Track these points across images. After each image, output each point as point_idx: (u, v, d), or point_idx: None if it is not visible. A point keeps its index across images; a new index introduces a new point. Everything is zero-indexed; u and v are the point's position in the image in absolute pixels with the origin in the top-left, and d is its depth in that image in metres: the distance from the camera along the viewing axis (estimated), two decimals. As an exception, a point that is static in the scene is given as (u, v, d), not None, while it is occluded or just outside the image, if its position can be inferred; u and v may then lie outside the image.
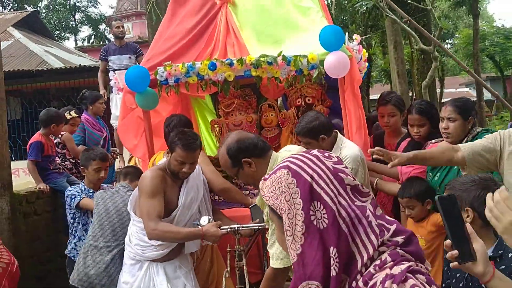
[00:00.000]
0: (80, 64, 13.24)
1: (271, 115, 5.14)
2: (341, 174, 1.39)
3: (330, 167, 1.39)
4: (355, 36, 4.23)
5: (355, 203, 1.35)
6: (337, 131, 3.64)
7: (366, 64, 4.93)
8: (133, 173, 4.15)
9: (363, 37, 19.35)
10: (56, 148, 5.70)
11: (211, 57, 4.25)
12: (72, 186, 4.64)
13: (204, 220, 3.31)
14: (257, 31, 4.52)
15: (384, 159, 3.23)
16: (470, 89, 32.18)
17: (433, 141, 3.61)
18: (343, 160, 2.58)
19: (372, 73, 23.25)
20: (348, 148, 3.46)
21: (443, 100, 18.80)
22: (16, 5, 32.88)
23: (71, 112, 5.82)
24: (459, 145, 3.04)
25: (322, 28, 3.88)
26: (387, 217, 1.38)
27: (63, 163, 5.79)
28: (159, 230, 3.18)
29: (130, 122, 4.66)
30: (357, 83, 3.98)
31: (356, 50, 4.09)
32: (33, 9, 21.87)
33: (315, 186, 1.34)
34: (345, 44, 4.01)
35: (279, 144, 5.06)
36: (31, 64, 13.66)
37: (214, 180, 3.77)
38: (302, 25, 4.41)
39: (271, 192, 1.40)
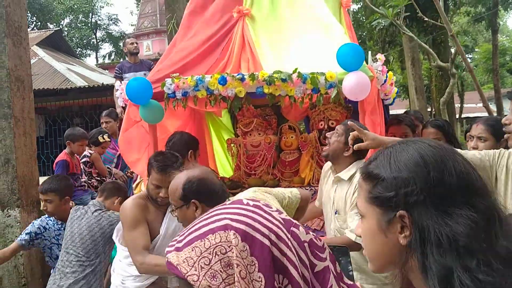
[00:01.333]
0: (102, 83, 13.57)
1: (291, 137, 4.90)
2: (294, 229, 1.16)
3: (280, 220, 1.13)
4: (379, 55, 3.89)
5: (315, 270, 1.10)
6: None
7: (395, 89, 4.68)
8: (109, 190, 3.91)
9: (383, 55, 19.36)
10: (84, 166, 5.80)
11: (224, 71, 3.98)
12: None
13: None
14: (274, 47, 4.24)
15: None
16: (490, 103, 31.87)
17: None
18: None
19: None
20: None
21: (463, 115, 18.75)
22: (39, 23, 33.76)
23: (104, 136, 5.87)
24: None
25: (340, 46, 3.56)
26: (345, 278, 1.19)
27: (89, 181, 5.83)
28: (147, 263, 2.90)
29: (134, 135, 4.42)
30: (373, 107, 3.65)
31: (379, 71, 3.75)
32: (57, 28, 22.46)
33: (275, 251, 1.02)
34: (367, 63, 3.73)
35: (298, 168, 4.81)
36: (54, 82, 14.03)
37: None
38: (322, 41, 4.10)
39: (203, 267, 0.98)
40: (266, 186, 4.41)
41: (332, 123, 4.65)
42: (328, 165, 3.34)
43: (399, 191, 1.06)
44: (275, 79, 3.67)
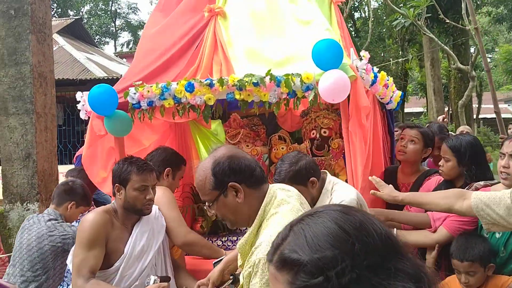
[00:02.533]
0: (121, 75, 13.65)
1: (282, 148, 4.38)
2: None
3: None
4: (363, 53, 3.39)
5: None
6: (326, 172, 2.93)
7: (399, 93, 4.25)
8: (59, 195, 3.45)
9: (400, 60, 19.28)
10: None
11: (194, 77, 3.52)
12: None
13: (149, 280, 2.61)
14: (248, 47, 3.74)
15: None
16: (509, 105, 31.44)
17: (481, 183, 2.84)
18: None
19: (408, 86, 23.07)
20: (341, 192, 2.70)
21: (480, 116, 18.55)
22: (60, 10, 33.98)
23: None
24: (474, 192, 2.52)
25: (315, 43, 3.08)
26: None
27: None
28: None
29: (98, 151, 3.91)
30: (364, 111, 3.12)
31: (363, 70, 3.21)
32: (77, 16, 22.57)
33: None
34: (350, 62, 3.23)
35: None
36: (74, 72, 14.13)
37: (175, 230, 3.00)
38: (300, 39, 3.60)
39: None
40: None
41: (325, 132, 4.23)
42: None
43: (329, 274, 0.89)
44: (246, 84, 3.21)
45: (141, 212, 2.77)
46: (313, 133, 4.28)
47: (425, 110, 21.77)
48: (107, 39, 39.09)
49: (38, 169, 5.38)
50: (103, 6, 37.62)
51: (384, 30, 20.16)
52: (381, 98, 3.77)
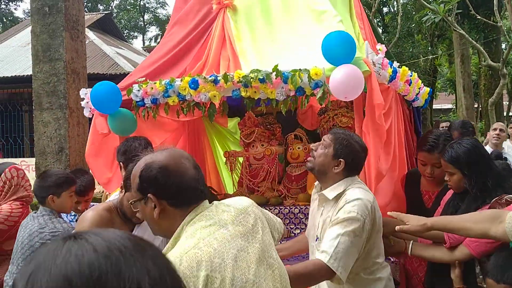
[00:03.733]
0: (149, 69, 13.85)
1: (298, 148, 4.16)
2: None
3: None
4: (379, 46, 3.12)
5: None
6: (357, 176, 2.63)
7: (426, 89, 4.03)
8: (36, 194, 3.26)
9: (431, 57, 18.96)
10: None
11: (201, 73, 3.30)
12: None
13: None
14: (258, 41, 3.51)
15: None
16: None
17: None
18: (345, 203, 2.38)
19: (436, 83, 22.76)
20: (359, 192, 2.46)
21: (511, 114, 18.21)
22: (90, 4, 34.53)
23: None
24: (510, 212, 2.15)
25: (325, 36, 2.81)
26: None
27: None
28: None
29: (102, 151, 3.72)
30: (377, 109, 2.83)
31: (378, 64, 2.91)
32: (107, 11, 22.93)
33: None
34: (364, 56, 2.94)
35: (305, 184, 4.08)
36: (103, 66, 14.35)
37: None
38: (312, 32, 3.32)
39: None
40: (268, 204, 3.97)
41: (343, 131, 4.00)
42: (317, 185, 2.71)
43: None
44: (252, 80, 2.98)
45: (129, 220, 2.61)
46: None
47: (454, 107, 21.44)
48: (136, 34, 39.52)
49: (70, 163, 5.51)
50: (132, 1, 38.05)
51: (413, 25, 19.85)
52: (404, 95, 3.55)
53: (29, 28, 16.83)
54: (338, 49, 2.78)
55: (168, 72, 3.54)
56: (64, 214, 3.51)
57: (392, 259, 3.08)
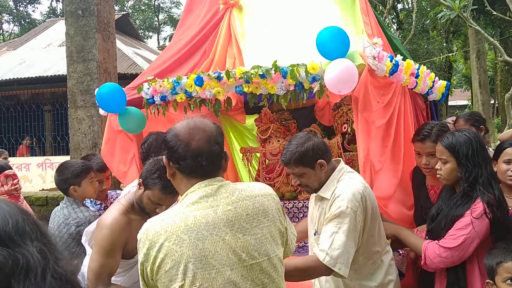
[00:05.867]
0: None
1: None
2: None
3: None
4: (375, 39, 3.06)
5: None
6: (340, 160, 2.64)
7: (443, 82, 4.01)
8: (58, 185, 3.36)
9: (446, 55, 18.97)
10: None
11: (208, 70, 3.43)
12: None
13: None
14: (261, 38, 3.59)
15: None
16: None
17: None
18: (334, 198, 2.38)
19: (452, 79, 22.76)
20: (348, 182, 2.46)
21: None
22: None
23: None
24: None
25: (320, 31, 2.87)
26: None
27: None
28: None
29: (117, 146, 3.86)
30: (374, 101, 2.91)
31: (374, 57, 2.88)
32: (124, 12, 23.34)
33: None
34: (361, 50, 2.96)
35: None
36: (122, 66, 14.66)
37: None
38: (313, 28, 3.22)
39: None
40: (284, 198, 4.07)
41: (357, 126, 3.96)
42: None
43: None
44: (252, 76, 3.05)
45: (147, 215, 2.58)
46: (344, 127, 4.06)
47: (470, 103, 21.45)
48: (150, 33, 39.97)
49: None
50: (147, 1, 38.49)
51: (428, 22, 19.87)
52: (412, 88, 3.51)
53: (49, 30, 17.22)
54: (331, 44, 2.82)
55: (178, 70, 3.65)
56: (91, 203, 3.69)
57: (400, 252, 3.04)
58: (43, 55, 14.59)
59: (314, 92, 2.94)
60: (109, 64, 5.95)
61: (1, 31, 31.14)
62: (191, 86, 3.29)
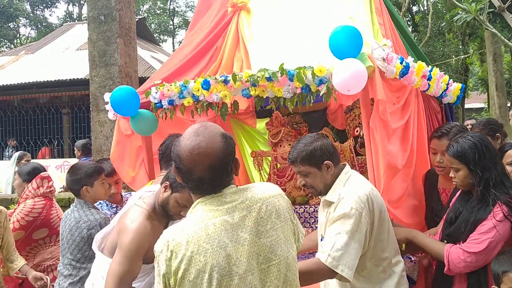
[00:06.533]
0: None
1: None
2: None
3: None
4: (384, 41, 3.00)
5: None
6: (346, 164, 2.60)
7: (458, 85, 3.95)
8: (69, 187, 3.39)
9: (462, 56, 18.85)
10: None
11: (215, 74, 3.39)
12: None
13: None
14: (269, 41, 3.53)
15: None
16: None
17: None
18: (339, 200, 2.33)
19: (468, 82, 22.63)
20: (354, 185, 2.43)
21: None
22: (121, 9, 35.35)
23: None
24: None
25: (333, 31, 2.80)
26: None
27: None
28: None
29: (126, 150, 3.85)
30: (381, 104, 2.79)
31: (383, 58, 2.84)
32: (141, 16, 23.63)
33: None
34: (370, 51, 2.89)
35: None
36: (140, 69, 14.91)
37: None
38: (323, 30, 3.20)
39: None
40: (295, 203, 4.03)
41: (370, 130, 3.89)
42: None
43: None
44: (259, 79, 3.01)
45: (170, 217, 2.69)
46: (356, 131, 3.98)
47: (486, 106, 21.31)
48: (166, 37, 40.30)
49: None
50: (162, 5, 38.85)
51: (443, 24, 19.77)
52: (424, 91, 3.47)
53: (67, 34, 17.44)
54: (345, 43, 2.76)
55: (186, 74, 3.62)
56: (107, 206, 3.73)
57: (412, 258, 3.02)
58: (61, 58, 14.82)
59: (321, 94, 2.89)
60: (131, 69, 6.07)
61: (18, 34, 31.55)
62: (198, 90, 3.28)
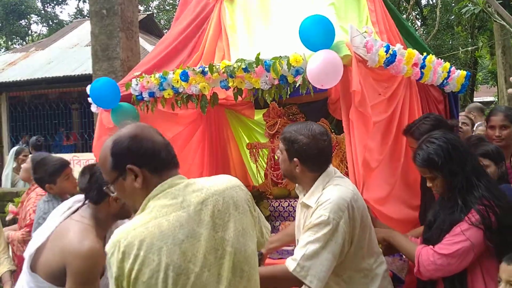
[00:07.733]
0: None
1: None
2: None
3: None
4: (365, 28, 2.79)
5: None
6: (331, 166, 2.39)
7: (461, 72, 3.77)
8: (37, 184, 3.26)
9: (470, 48, 18.64)
10: None
11: (196, 65, 3.27)
12: None
13: None
14: (252, 30, 3.38)
15: None
16: None
17: None
18: (317, 206, 2.12)
19: (477, 75, 22.41)
20: (333, 191, 2.23)
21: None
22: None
23: None
24: None
25: (302, 21, 2.62)
26: None
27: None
28: None
29: None
30: (356, 96, 2.60)
31: (362, 47, 2.64)
32: (149, 12, 23.67)
33: None
34: (348, 40, 2.67)
35: None
36: (148, 65, 15.04)
37: None
38: (302, 17, 2.91)
39: None
40: (290, 196, 3.96)
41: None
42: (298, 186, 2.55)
43: None
44: (235, 70, 2.87)
45: (126, 218, 2.46)
46: None
47: (496, 99, 21.10)
48: (175, 33, 40.45)
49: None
50: (171, 1, 38.86)
51: (452, 17, 19.53)
52: (418, 79, 3.27)
53: (76, 30, 17.50)
54: (315, 34, 2.58)
55: (167, 65, 3.49)
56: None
57: (403, 257, 2.85)
58: (71, 54, 14.87)
59: (297, 86, 2.72)
60: (133, 62, 6.03)
61: (30, 31, 31.74)
62: (177, 81, 3.16)
